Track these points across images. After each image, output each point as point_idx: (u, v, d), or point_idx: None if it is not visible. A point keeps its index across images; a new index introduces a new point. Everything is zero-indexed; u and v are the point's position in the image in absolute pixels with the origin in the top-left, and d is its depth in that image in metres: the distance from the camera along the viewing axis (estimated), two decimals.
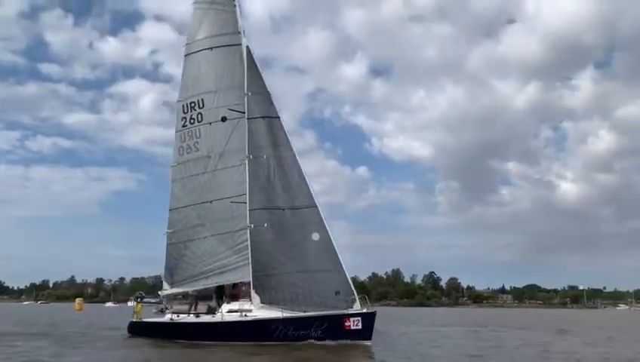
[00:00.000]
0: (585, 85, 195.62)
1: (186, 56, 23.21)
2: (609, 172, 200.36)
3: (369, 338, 18.64)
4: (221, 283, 21.58)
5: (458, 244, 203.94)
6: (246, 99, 21.63)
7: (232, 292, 21.72)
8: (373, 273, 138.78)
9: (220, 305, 21.05)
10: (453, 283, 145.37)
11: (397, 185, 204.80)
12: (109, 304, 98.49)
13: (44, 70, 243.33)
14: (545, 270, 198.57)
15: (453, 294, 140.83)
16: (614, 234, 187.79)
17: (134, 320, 22.02)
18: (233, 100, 22.22)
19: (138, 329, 21.39)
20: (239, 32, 22.75)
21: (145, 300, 23.91)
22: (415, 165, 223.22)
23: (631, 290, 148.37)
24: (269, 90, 22.00)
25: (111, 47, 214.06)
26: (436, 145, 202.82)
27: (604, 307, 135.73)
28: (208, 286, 21.72)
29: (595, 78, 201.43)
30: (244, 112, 21.65)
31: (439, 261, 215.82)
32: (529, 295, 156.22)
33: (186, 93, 22.99)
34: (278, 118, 21.64)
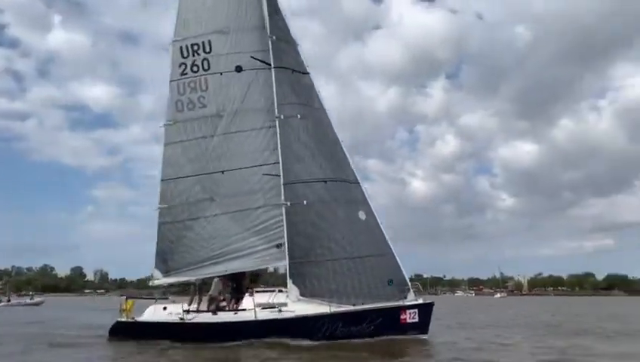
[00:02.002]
0: (436, 94, 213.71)
1: None
2: (452, 172, 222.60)
3: (426, 332, 16.50)
4: (235, 271, 17.70)
5: None
6: (270, 44, 17.52)
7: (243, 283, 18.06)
8: None
9: (233, 298, 17.36)
10: None
11: None
12: None
13: None
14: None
15: None
16: (453, 229, 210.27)
17: (122, 319, 17.25)
18: (252, 45, 17.91)
19: (130, 331, 16.76)
20: None
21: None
22: None
23: (465, 278, 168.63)
24: (295, 38, 18.15)
25: None
26: None
27: (444, 293, 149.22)
28: (218, 274, 17.68)
29: (446, 88, 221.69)
30: (269, 63, 17.55)
31: None
32: None
33: (186, 31, 18.00)
34: (308, 74, 17.93)
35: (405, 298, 16.66)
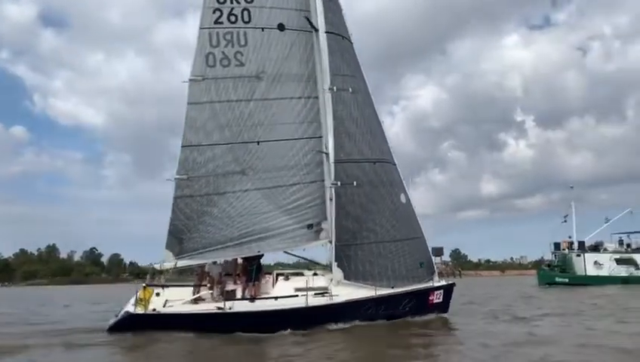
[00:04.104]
0: None
1: None
2: None
3: (447, 311, 17.43)
4: (265, 252, 16.07)
5: (124, 220, 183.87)
6: (322, 3, 15.91)
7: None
8: (21, 249, 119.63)
9: (249, 283, 15.76)
10: (116, 259, 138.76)
11: (61, 153, 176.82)
12: None
13: None
14: None
15: (115, 270, 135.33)
16: None
17: (139, 311, 14.24)
18: (295, 3, 15.93)
19: (151, 325, 13.98)
20: None
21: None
22: (85, 132, 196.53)
23: None
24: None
25: None
26: (111, 115, 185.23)
27: None
28: (244, 255, 15.85)
29: None
30: (314, 26, 15.94)
31: (103, 236, 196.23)
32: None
33: None
34: (352, 43, 16.77)
35: (431, 279, 17.23)
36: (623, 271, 42.86)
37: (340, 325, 14.85)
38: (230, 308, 14.43)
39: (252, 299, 15.12)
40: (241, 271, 16.20)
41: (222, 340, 13.16)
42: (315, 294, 15.06)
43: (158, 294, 15.23)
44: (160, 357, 11.95)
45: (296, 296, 14.88)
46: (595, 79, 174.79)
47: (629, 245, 46.70)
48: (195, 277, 16.31)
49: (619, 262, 43.56)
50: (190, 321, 14.11)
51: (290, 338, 13.45)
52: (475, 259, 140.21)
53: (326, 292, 15.25)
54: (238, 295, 15.54)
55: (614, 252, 44.97)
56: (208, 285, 15.82)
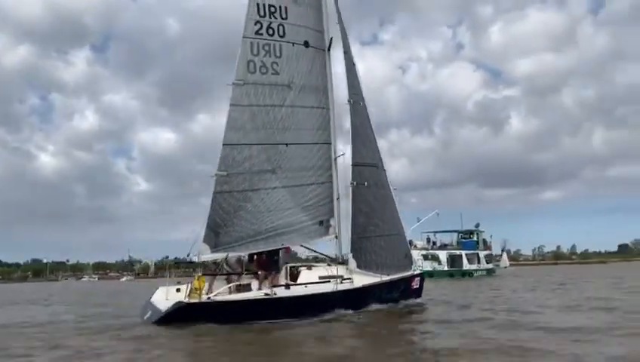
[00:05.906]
0: (80, 63, 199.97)
1: None
2: (88, 151, 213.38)
3: (420, 296, 20.60)
4: (287, 245, 17.49)
5: None
6: (339, 26, 18.34)
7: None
8: None
9: (269, 275, 17.09)
10: None
11: None
12: None
13: None
14: (9, 243, 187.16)
15: None
16: (84, 210, 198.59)
17: (193, 300, 14.46)
18: (315, 24, 18.09)
19: (203, 314, 14.36)
20: None
21: None
22: None
23: (92, 262, 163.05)
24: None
25: None
26: None
27: (66, 279, 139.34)
28: (270, 248, 17.08)
29: (90, 60, 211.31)
30: (329, 48, 18.32)
31: None
32: None
33: None
34: (355, 65, 19.38)
35: (410, 268, 20.34)
36: (428, 266, 47.29)
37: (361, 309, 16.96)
38: (275, 294, 15.64)
39: (287, 286, 16.44)
40: (256, 265, 17.37)
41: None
42: (343, 281, 17.04)
43: (178, 290, 15.78)
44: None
45: (327, 282, 16.67)
46: (411, 96, 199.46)
47: (434, 243, 53.96)
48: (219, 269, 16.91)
49: (425, 258, 48.64)
50: (242, 308, 14.94)
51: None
52: (303, 256, 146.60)
53: (345, 279, 17.30)
54: (254, 287, 16.68)
55: (422, 249, 50.26)
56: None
